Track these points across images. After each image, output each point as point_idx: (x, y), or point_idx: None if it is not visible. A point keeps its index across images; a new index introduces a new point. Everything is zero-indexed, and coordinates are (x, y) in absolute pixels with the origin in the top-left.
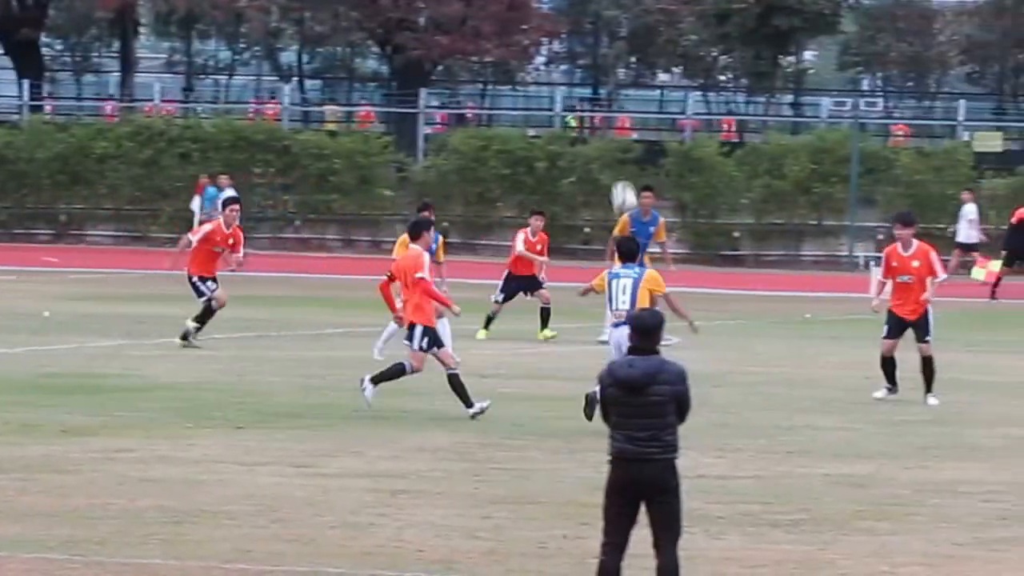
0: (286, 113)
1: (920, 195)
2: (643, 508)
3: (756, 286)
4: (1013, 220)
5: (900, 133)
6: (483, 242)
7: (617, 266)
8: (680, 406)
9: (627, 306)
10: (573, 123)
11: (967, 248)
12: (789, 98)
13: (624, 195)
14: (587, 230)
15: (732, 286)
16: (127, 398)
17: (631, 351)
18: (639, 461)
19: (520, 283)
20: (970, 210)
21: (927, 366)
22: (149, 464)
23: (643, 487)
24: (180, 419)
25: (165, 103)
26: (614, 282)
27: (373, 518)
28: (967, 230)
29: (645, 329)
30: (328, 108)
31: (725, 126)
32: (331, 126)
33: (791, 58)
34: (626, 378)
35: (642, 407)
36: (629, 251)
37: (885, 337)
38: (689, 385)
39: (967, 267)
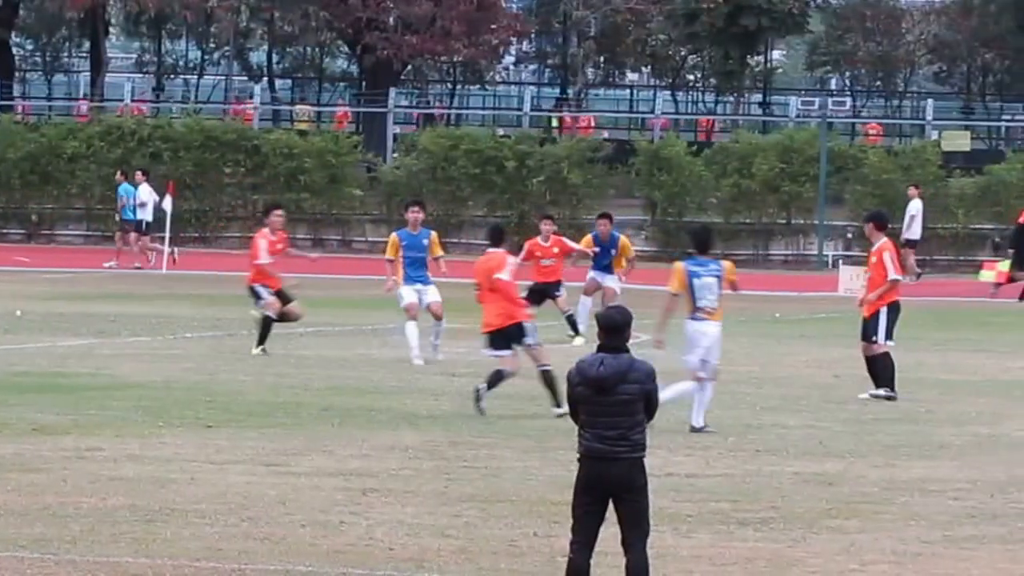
0: (256, 113)
1: (888, 194)
2: (612, 507)
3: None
4: (1021, 220)
5: (873, 131)
6: (454, 241)
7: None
8: (649, 405)
9: (715, 304)
10: (555, 123)
11: (913, 244)
12: (758, 97)
13: None
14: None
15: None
16: (98, 397)
17: (600, 348)
18: (607, 460)
19: (543, 290)
20: (915, 206)
21: (869, 365)
22: (120, 463)
23: (611, 485)
24: (151, 418)
25: (136, 103)
26: (695, 281)
27: (344, 516)
28: (912, 226)
29: (614, 327)
30: (300, 108)
31: (703, 126)
32: (302, 126)
33: (759, 58)
34: (596, 377)
35: (611, 406)
36: (703, 241)
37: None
38: (658, 384)
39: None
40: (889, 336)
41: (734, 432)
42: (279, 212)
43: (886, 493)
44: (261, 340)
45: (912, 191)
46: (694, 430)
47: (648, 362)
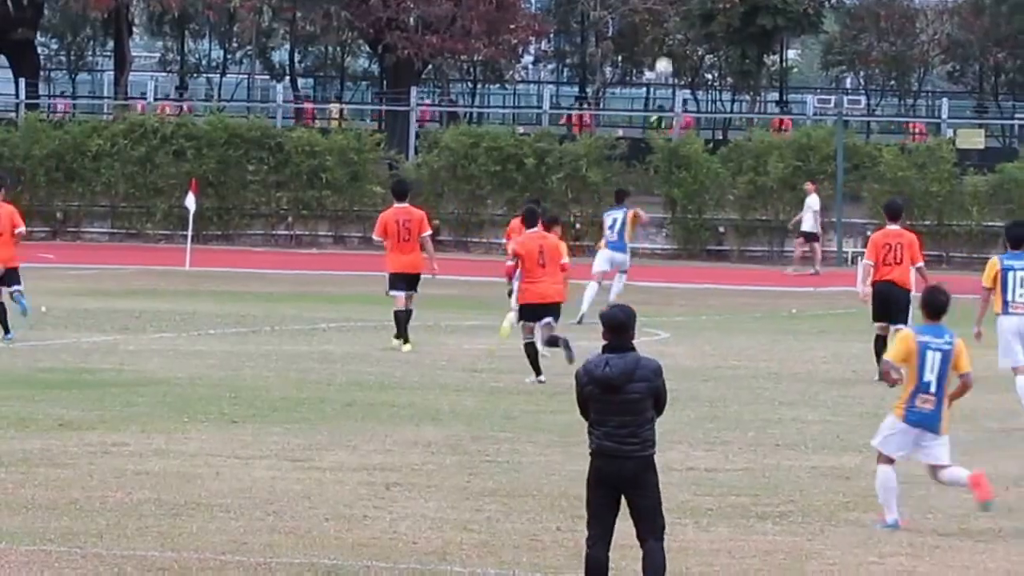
0: (279, 111)
1: (905, 192)
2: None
3: (742, 281)
4: None
5: (916, 130)
6: (475, 240)
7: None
8: (657, 401)
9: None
10: (654, 122)
11: (809, 237)
12: (774, 96)
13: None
14: (577, 226)
15: (718, 281)
16: (123, 393)
17: (605, 348)
18: (618, 457)
19: None
20: (814, 201)
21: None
22: (145, 458)
23: (621, 482)
24: (176, 413)
25: (159, 102)
26: (1010, 274)
27: (367, 510)
28: (811, 220)
29: (618, 325)
30: (331, 106)
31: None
32: (332, 123)
33: (775, 57)
34: (603, 377)
35: (620, 405)
36: (1018, 236)
37: None
38: (665, 379)
39: (808, 257)
40: (873, 318)
41: (753, 427)
42: None
43: (902, 487)
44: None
45: (809, 186)
46: None
47: (654, 359)
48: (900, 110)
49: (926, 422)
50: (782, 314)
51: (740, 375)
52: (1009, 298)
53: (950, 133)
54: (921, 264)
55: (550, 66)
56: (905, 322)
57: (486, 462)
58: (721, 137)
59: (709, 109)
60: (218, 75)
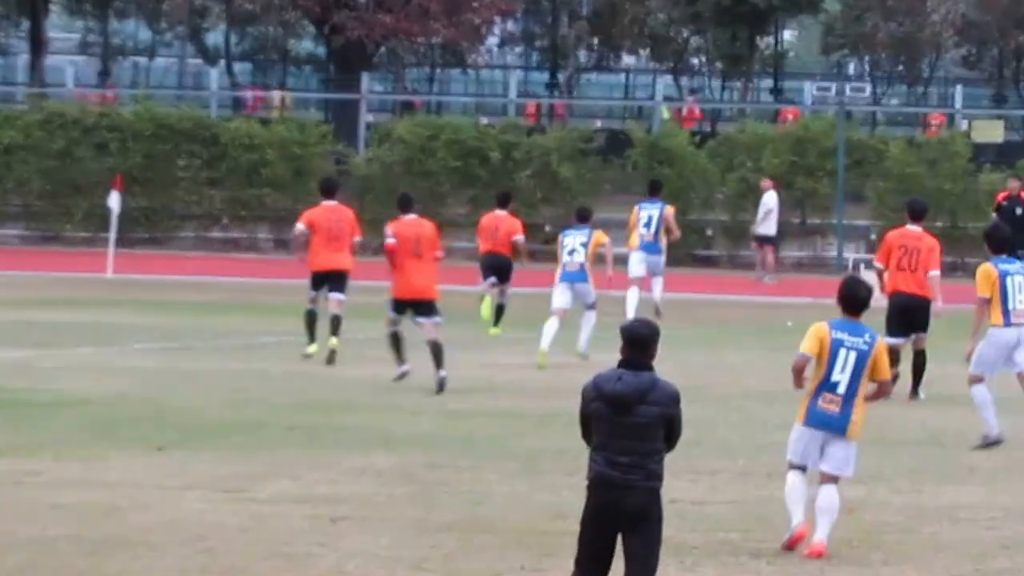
0: (213, 99)
1: (914, 191)
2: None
3: (731, 290)
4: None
5: (935, 122)
6: None
7: (996, 261)
8: (670, 431)
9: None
10: (667, 114)
11: (764, 241)
12: (768, 83)
13: None
14: (547, 228)
15: (705, 290)
16: (37, 415)
17: (621, 364)
18: (620, 488)
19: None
20: (771, 199)
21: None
22: (61, 488)
23: (623, 517)
24: (96, 438)
25: (80, 89)
26: (1007, 279)
27: (311, 548)
28: (766, 221)
29: (638, 341)
30: (273, 94)
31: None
32: (274, 113)
33: (769, 39)
34: (613, 393)
35: (628, 428)
36: (1003, 239)
37: None
38: (682, 409)
39: (763, 264)
40: (888, 334)
41: (744, 454)
42: None
43: (912, 521)
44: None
45: (766, 183)
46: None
47: (673, 384)
48: (909, 99)
49: (830, 424)
50: (777, 328)
51: (729, 395)
52: (1010, 307)
53: (965, 125)
54: (937, 273)
55: (517, 49)
56: (925, 332)
57: (444, 493)
58: (709, 129)
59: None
60: (145, 59)
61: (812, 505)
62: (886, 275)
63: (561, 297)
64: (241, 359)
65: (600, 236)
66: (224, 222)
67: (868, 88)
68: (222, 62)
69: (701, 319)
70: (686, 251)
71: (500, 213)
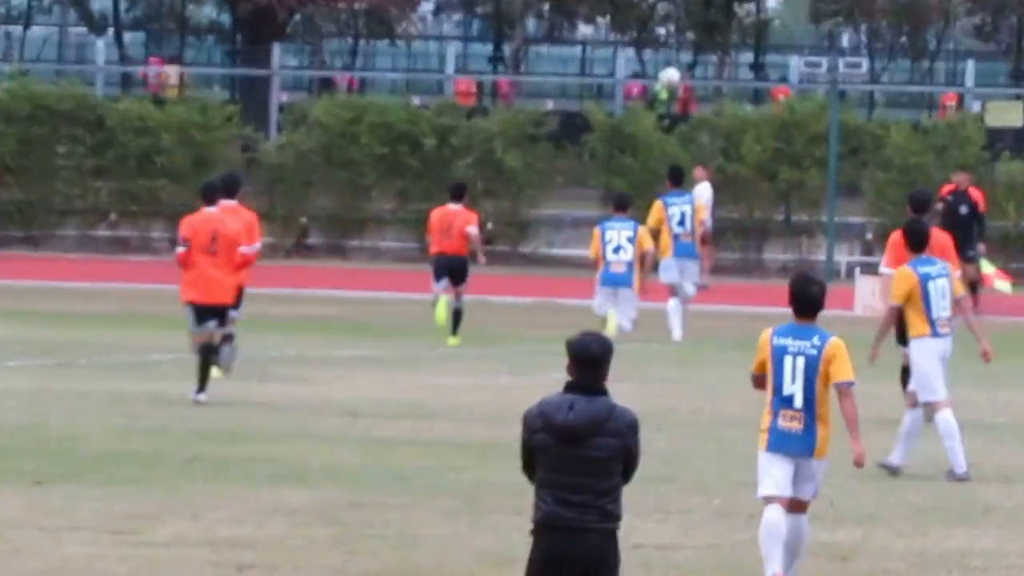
0: (100, 75)
1: (918, 182)
2: None
3: (706, 299)
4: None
5: (946, 104)
6: (354, 243)
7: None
8: (628, 465)
9: (948, 312)
10: (666, 94)
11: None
12: (748, 57)
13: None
14: (490, 226)
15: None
16: None
17: (569, 387)
18: (573, 531)
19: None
20: (704, 191)
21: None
22: None
23: (576, 564)
24: None
25: None
26: (929, 284)
27: None
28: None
29: (590, 359)
30: (169, 69)
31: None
32: (164, 92)
33: (750, 6)
34: (564, 425)
35: (581, 463)
36: (922, 237)
37: None
38: (639, 440)
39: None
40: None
41: (721, 491)
42: None
43: (916, 570)
44: None
45: (699, 172)
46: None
47: (631, 410)
48: (913, 77)
49: (794, 446)
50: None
51: (704, 422)
52: (934, 315)
53: (978, 106)
54: (959, 273)
55: (455, 17)
56: None
57: (369, 536)
58: (679, 111)
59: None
60: (20, 27)
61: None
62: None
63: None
64: (133, 379)
65: (645, 235)
66: (112, 219)
67: (865, 63)
68: (110, 31)
69: (670, 331)
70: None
71: (453, 208)
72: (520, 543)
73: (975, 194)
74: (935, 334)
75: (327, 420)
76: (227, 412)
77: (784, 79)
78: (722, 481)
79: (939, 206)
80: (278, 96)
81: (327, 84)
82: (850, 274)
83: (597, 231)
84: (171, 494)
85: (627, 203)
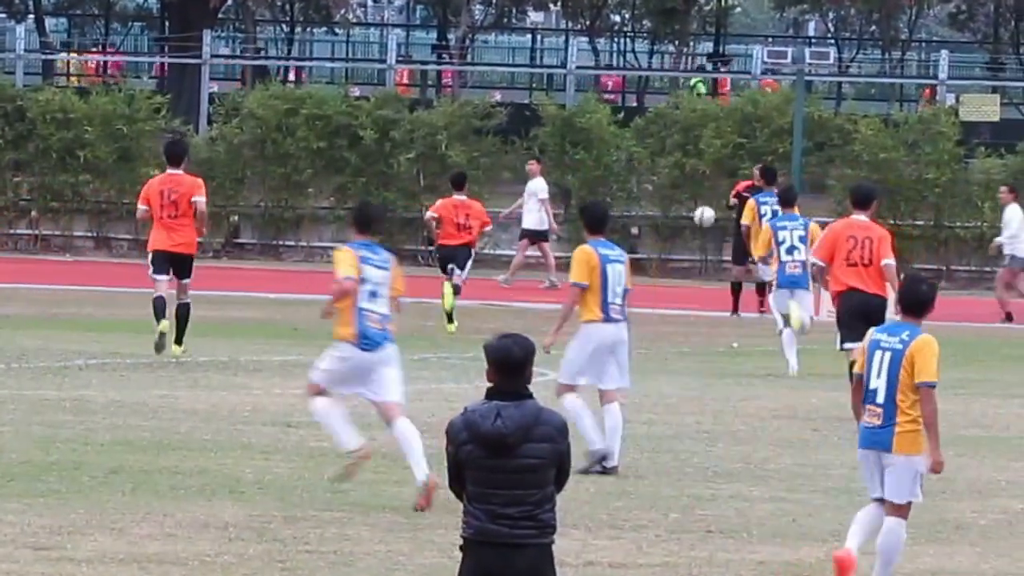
0: (19, 64)
1: (889, 179)
2: None
3: (662, 302)
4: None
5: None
6: (288, 243)
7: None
8: (560, 470)
9: (621, 300)
10: (703, 89)
11: (535, 236)
12: (708, 47)
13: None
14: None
15: (629, 301)
16: None
17: (491, 394)
18: (507, 547)
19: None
20: (538, 186)
21: None
22: None
23: None
24: None
25: None
26: (608, 267)
27: None
28: (536, 212)
29: (512, 364)
30: (92, 57)
31: (617, 86)
32: (87, 82)
33: None
34: (492, 434)
35: (512, 473)
36: (600, 218)
37: None
38: (570, 443)
39: (539, 262)
40: (843, 339)
41: (677, 506)
42: None
43: None
44: None
45: (532, 166)
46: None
47: (558, 413)
48: (884, 67)
49: (873, 441)
50: (719, 349)
51: (658, 434)
52: (609, 299)
53: (952, 99)
54: (893, 262)
55: (397, 3)
56: None
57: (305, 552)
58: (635, 103)
59: (617, 64)
60: None
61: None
62: (827, 272)
63: (783, 301)
64: (54, 385)
65: (817, 233)
66: (32, 216)
67: (832, 53)
68: (30, 18)
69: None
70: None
71: (460, 198)
72: None
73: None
74: (607, 319)
75: (260, 430)
76: (154, 421)
77: (728, 68)
78: (678, 495)
79: (733, 202)
80: (208, 86)
81: (261, 73)
82: (815, 277)
83: (768, 227)
84: (95, 507)
85: (794, 197)
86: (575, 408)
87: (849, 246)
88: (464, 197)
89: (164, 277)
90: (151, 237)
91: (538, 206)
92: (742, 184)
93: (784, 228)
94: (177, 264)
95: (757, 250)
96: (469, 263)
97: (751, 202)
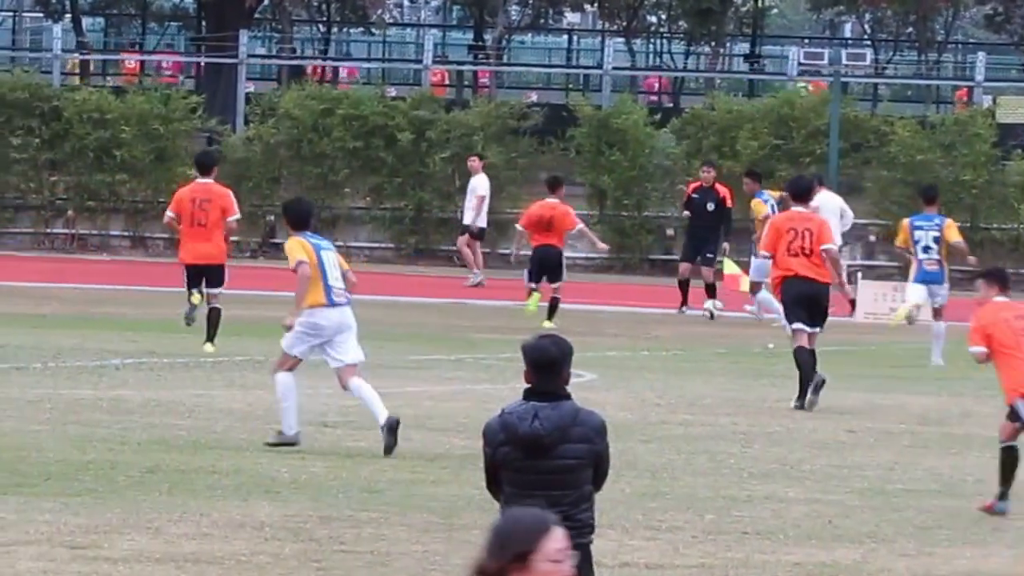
0: (56, 63)
1: (924, 181)
2: None
3: (698, 303)
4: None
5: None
6: None
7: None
8: (597, 470)
9: (342, 283)
10: (808, 89)
11: (475, 234)
12: (744, 48)
13: None
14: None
15: (664, 303)
16: None
17: (529, 394)
18: None
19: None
20: (480, 184)
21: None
22: None
23: None
24: None
25: None
26: (321, 254)
27: None
28: (474, 209)
29: (547, 363)
30: (129, 57)
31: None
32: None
33: None
34: (529, 435)
35: (550, 474)
36: (304, 214)
37: None
38: (608, 443)
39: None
40: (789, 322)
41: (713, 507)
42: None
43: None
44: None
45: (474, 163)
46: None
47: (596, 413)
48: (920, 69)
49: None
50: (754, 350)
51: (694, 435)
52: (330, 283)
53: (988, 101)
54: (834, 246)
55: (433, 3)
56: (823, 325)
57: (340, 552)
58: (671, 104)
59: (652, 65)
60: None
61: None
62: (771, 265)
63: (918, 296)
64: (90, 385)
65: (951, 229)
66: (68, 215)
67: (869, 55)
68: (67, 17)
69: (659, 339)
70: (641, 256)
71: (552, 201)
72: None
73: (722, 190)
74: (331, 304)
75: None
76: (190, 420)
77: (763, 69)
78: (714, 497)
79: (685, 213)
80: (244, 86)
81: (297, 73)
82: (852, 279)
83: (906, 223)
84: (131, 507)
85: (935, 195)
86: (284, 386)
87: (790, 237)
88: (556, 201)
89: (196, 291)
90: (182, 247)
91: (477, 203)
92: (692, 185)
93: (920, 228)
94: (208, 274)
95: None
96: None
97: (757, 201)
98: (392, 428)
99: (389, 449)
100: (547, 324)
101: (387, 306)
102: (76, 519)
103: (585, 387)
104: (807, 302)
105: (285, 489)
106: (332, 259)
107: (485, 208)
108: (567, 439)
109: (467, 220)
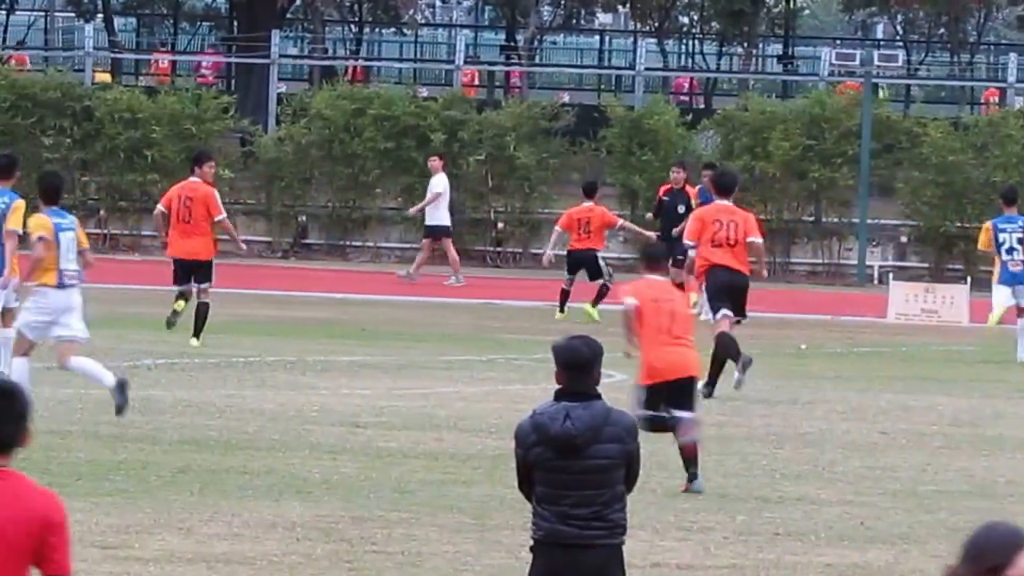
0: (88, 62)
1: (956, 181)
2: None
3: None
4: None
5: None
6: (355, 243)
7: None
8: (629, 471)
9: (75, 265)
10: (884, 92)
11: (437, 234)
12: (777, 49)
13: None
14: (501, 226)
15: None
16: None
17: (560, 395)
18: (577, 547)
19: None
20: (439, 183)
21: None
22: None
23: None
24: None
25: None
26: (60, 234)
27: None
28: (435, 209)
29: (580, 363)
30: (161, 57)
31: (695, 88)
32: (156, 81)
33: None
34: (561, 435)
35: (581, 474)
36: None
37: None
38: (640, 443)
39: (441, 257)
40: (714, 312)
41: (744, 508)
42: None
43: None
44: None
45: (434, 162)
46: None
47: (627, 413)
48: (952, 70)
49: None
50: (787, 351)
51: (726, 436)
52: (63, 265)
53: (1020, 102)
54: (759, 239)
55: (466, 3)
56: (745, 315)
57: (372, 552)
58: (703, 105)
59: (684, 66)
60: (3, 12)
61: None
62: (691, 252)
63: (1004, 296)
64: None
65: None
66: (100, 215)
67: (901, 55)
68: (99, 17)
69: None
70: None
71: (588, 204)
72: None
73: (692, 192)
74: (61, 285)
75: (327, 429)
76: (222, 421)
77: (796, 70)
78: (745, 498)
79: (648, 216)
80: (276, 86)
81: (329, 74)
82: (883, 279)
83: (989, 226)
84: (162, 507)
85: (1015, 196)
86: (21, 371)
87: (715, 228)
88: (591, 204)
89: (185, 287)
90: (169, 242)
91: (436, 201)
92: (663, 188)
93: (1004, 231)
94: (194, 270)
95: None
96: (601, 265)
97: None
98: (122, 386)
99: (120, 409)
100: (589, 310)
101: (418, 307)
102: (107, 519)
103: (616, 387)
104: (731, 291)
105: (317, 489)
106: (71, 241)
107: (444, 205)
108: (599, 439)
109: (432, 220)
